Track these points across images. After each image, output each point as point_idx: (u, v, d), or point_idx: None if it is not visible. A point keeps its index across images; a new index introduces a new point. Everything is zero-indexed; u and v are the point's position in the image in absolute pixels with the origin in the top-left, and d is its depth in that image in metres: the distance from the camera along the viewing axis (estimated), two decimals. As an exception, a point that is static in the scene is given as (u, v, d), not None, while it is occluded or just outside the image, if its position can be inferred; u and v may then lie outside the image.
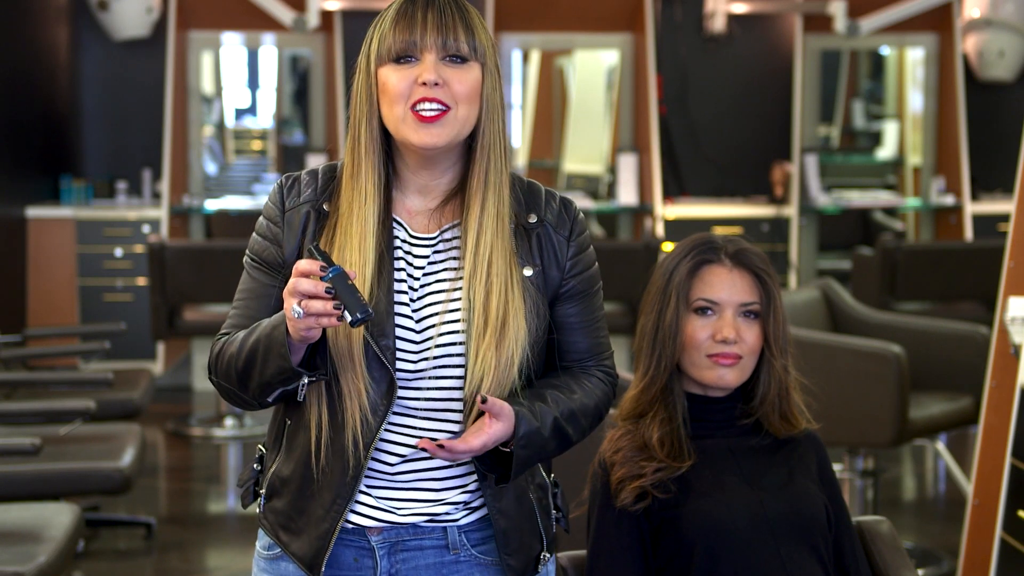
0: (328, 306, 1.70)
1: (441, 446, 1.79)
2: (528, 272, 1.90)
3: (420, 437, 1.87)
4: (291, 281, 1.73)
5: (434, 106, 1.83)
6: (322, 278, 1.71)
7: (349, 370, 1.83)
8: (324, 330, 1.79)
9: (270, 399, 1.87)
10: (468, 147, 1.90)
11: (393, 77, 1.84)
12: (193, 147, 7.84)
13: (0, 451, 3.51)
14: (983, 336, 4.56)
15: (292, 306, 1.72)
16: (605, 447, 2.31)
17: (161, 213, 7.42)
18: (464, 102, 1.84)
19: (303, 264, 1.73)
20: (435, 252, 1.91)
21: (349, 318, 1.70)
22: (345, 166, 1.91)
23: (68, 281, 7.35)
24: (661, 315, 2.31)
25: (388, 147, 1.90)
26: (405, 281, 1.89)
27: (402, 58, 1.84)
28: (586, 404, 1.93)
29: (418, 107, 1.83)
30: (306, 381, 1.81)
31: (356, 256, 1.84)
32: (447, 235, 1.91)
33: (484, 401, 1.79)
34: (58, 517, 3.41)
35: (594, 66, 8.39)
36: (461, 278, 1.87)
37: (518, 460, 1.83)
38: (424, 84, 1.82)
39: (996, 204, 7.76)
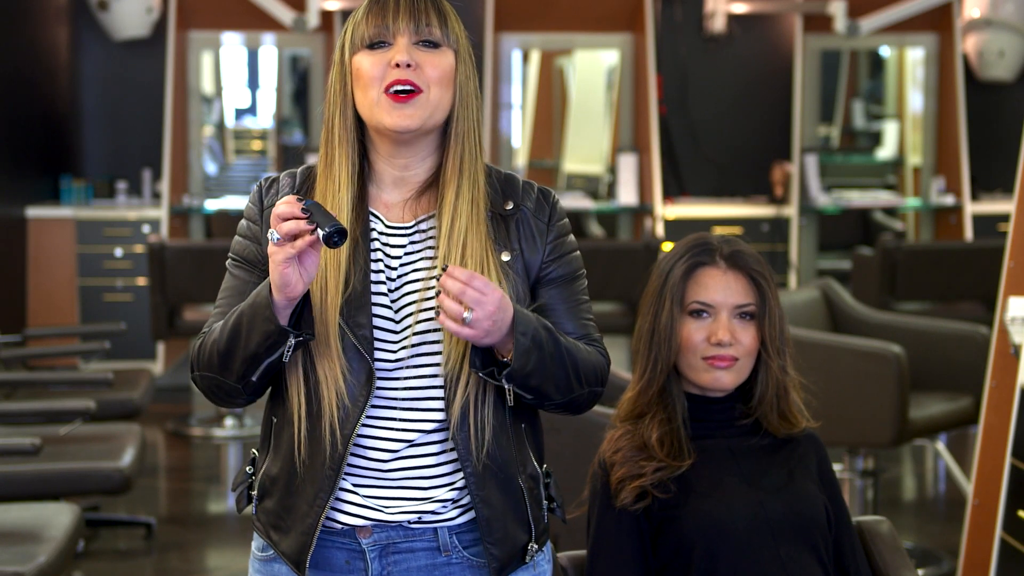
0: (301, 223, 1.72)
1: (444, 268, 1.75)
2: (506, 257, 1.90)
3: (403, 429, 1.87)
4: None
5: (407, 87, 1.84)
6: (301, 210, 1.74)
7: (325, 356, 1.84)
8: (307, 293, 1.79)
9: (255, 377, 1.84)
10: (442, 138, 1.91)
11: (366, 62, 1.86)
12: (193, 147, 7.84)
13: (0, 451, 3.51)
14: (983, 336, 4.56)
15: (271, 234, 1.74)
16: (605, 447, 2.31)
17: (161, 213, 7.42)
18: (437, 85, 1.86)
19: (282, 200, 1.75)
20: (412, 242, 1.91)
21: (322, 233, 1.71)
22: (320, 157, 1.92)
23: (68, 281, 7.35)
24: (657, 318, 2.30)
25: (362, 139, 1.92)
26: (383, 272, 1.89)
27: (375, 44, 1.86)
28: (586, 358, 1.90)
29: (392, 89, 1.85)
30: (292, 343, 1.80)
31: None
32: (423, 225, 1.92)
33: (444, 268, 1.76)
34: (58, 517, 3.41)
35: (594, 66, 8.39)
36: (437, 266, 1.87)
37: (519, 347, 1.77)
38: (397, 66, 1.84)
39: (996, 204, 7.75)
